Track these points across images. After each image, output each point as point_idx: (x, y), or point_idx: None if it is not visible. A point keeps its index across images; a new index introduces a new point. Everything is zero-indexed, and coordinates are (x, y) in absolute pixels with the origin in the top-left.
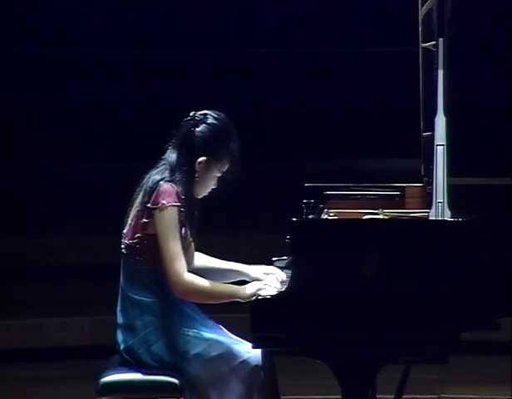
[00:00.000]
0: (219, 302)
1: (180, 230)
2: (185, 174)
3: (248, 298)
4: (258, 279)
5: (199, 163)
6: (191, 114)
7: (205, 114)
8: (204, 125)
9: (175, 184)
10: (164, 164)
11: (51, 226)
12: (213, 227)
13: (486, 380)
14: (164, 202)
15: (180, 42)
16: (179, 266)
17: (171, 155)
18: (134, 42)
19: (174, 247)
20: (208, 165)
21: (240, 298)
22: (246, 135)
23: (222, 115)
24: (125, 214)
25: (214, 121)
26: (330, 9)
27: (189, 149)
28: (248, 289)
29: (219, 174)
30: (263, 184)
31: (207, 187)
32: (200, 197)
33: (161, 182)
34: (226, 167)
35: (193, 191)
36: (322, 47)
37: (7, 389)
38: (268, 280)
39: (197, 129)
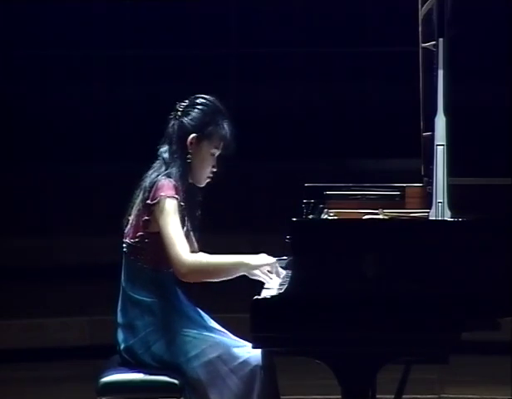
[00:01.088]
0: (227, 277)
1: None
2: (179, 159)
3: (255, 268)
4: (259, 275)
5: (191, 143)
6: (175, 106)
7: (191, 98)
8: (192, 106)
9: (173, 177)
10: (159, 160)
11: (51, 226)
12: (213, 227)
13: (486, 380)
14: (162, 194)
15: (180, 42)
16: (181, 247)
17: (163, 148)
18: (134, 42)
19: (174, 230)
20: (199, 142)
21: (247, 267)
22: (246, 135)
23: (210, 97)
24: (125, 214)
25: (202, 100)
26: (330, 9)
27: (180, 134)
28: (256, 260)
29: (214, 152)
30: (263, 184)
31: (205, 168)
32: (202, 185)
33: (159, 177)
34: (220, 144)
35: (191, 178)
36: (322, 47)
37: (7, 389)
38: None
39: (185, 115)
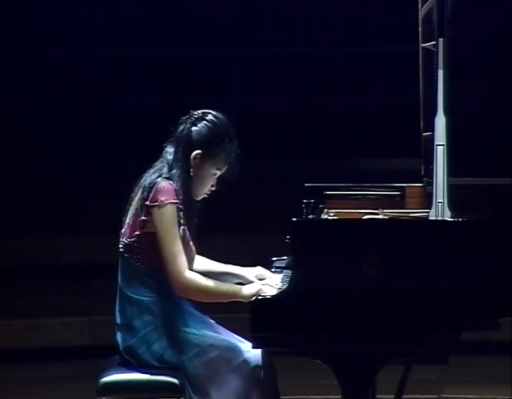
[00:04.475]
0: (220, 301)
1: (178, 229)
2: (182, 169)
3: (248, 298)
4: (252, 282)
5: (194, 158)
6: (190, 112)
7: (204, 112)
8: (203, 121)
9: (173, 181)
10: (162, 161)
11: (51, 226)
12: (213, 227)
13: (486, 380)
14: (162, 199)
15: (180, 42)
16: (180, 263)
17: (169, 151)
18: (134, 42)
19: (174, 245)
20: (202, 160)
21: (241, 298)
22: (246, 135)
23: (222, 116)
24: (124, 214)
25: (213, 118)
26: (330, 9)
27: (186, 144)
28: (248, 290)
29: (216, 173)
30: (263, 184)
31: (204, 186)
32: (199, 198)
33: (159, 179)
34: (223, 167)
35: (191, 189)
36: (322, 47)
37: (7, 389)
38: (267, 280)
39: (195, 126)
